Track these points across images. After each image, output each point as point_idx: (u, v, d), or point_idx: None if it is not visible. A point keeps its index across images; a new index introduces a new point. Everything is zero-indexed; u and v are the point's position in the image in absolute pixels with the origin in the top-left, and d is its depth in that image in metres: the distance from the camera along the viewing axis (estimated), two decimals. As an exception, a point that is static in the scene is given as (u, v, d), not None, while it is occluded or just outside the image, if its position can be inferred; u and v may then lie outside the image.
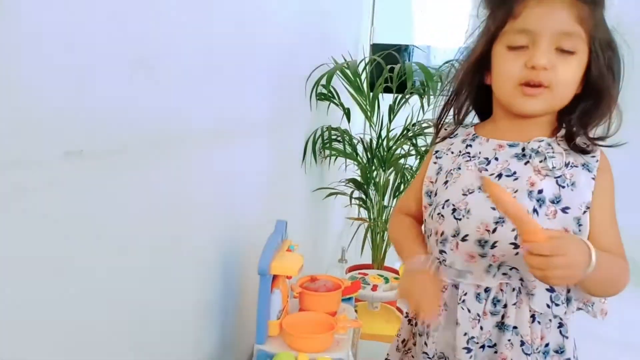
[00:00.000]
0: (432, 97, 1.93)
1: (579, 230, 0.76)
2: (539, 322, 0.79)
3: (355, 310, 1.17)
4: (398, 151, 2.17)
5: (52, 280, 0.55)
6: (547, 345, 0.80)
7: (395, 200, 2.19)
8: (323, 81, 1.95)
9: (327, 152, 2.20)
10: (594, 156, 0.78)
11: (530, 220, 0.67)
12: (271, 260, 1.04)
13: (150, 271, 0.77)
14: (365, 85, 2.05)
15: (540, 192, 0.76)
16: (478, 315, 0.79)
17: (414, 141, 2.06)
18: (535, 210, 0.76)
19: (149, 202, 0.75)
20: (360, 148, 2.22)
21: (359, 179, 2.26)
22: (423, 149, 2.09)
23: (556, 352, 0.80)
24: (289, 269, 1.06)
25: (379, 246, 2.29)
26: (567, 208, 0.76)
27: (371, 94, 2.05)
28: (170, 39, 0.78)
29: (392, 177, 2.19)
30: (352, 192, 2.28)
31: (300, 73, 1.77)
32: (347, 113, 2.13)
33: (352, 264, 2.18)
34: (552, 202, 0.76)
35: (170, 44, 0.78)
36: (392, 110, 2.09)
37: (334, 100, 2.15)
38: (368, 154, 2.18)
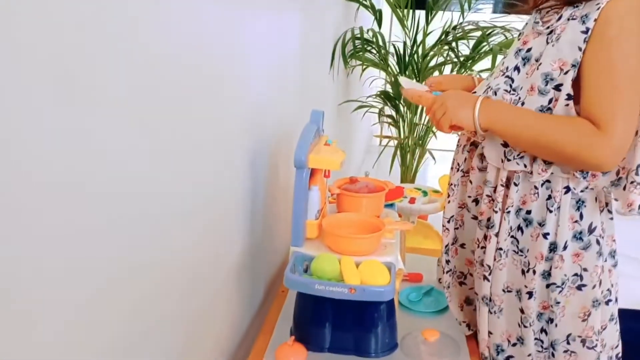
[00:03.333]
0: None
1: (546, 88, 0.73)
2: (515, 184, 0.79)
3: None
4: (434, 61, 1.96)
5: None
6: (528, 212, 0.80)
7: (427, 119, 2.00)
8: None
9: (356, 61, 2.00)
10: (598, 4, 0.69)
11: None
12: (308, 152, 0.89)
13: (168, 151, 0.62)
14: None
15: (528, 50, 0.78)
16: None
17: (454, 46, 1.85)
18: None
19: (168, 43, 0.59)
20: (392, 60, 2.01)
21: (390, 92, 2.07)
22: (462, 58, 1.88)
23: (540, 224, 0.79)
24: (330, 162, 0.91)
25: (409, 166, 2.13)
26: (541, 64, 0.74)
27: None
28: None
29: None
30: (382, 109, 2.10)
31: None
32: (379, 17, 1.91)
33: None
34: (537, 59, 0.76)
35: None
36: (430, 11, 1.87)
37: (364, 2, 1.93)
38: (401, 63, 1.98)
